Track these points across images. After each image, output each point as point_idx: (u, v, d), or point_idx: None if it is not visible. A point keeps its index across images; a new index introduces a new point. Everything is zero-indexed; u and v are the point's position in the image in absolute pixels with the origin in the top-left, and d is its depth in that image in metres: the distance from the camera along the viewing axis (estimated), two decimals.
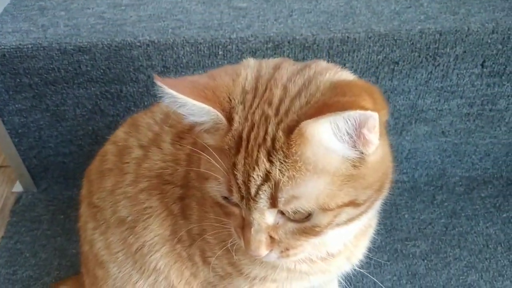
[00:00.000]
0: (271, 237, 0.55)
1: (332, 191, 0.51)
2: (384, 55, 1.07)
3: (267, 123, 0.51)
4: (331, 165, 0.50)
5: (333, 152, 0.50)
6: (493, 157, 1.28)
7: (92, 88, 1.13)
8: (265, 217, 0.53)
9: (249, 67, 0.57)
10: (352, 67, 1.08)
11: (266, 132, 0.51)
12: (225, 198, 0.56)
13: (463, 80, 1.12)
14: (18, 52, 1.07)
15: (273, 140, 0.50)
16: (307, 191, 0.50)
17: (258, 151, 0.50)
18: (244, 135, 0.52)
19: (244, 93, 0.54)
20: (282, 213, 0.53)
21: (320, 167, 0.50)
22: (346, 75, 0.56)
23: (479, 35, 1.05)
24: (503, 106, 1.17)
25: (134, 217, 0.73)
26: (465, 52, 1.07)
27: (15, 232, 1.24)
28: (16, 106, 1.16)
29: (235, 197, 0.53)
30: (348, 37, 1.04)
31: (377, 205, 0.62)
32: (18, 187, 1.37)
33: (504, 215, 1.21)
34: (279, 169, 0.50)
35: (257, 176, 0.50)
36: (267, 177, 0.50)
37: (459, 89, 1.13)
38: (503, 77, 1.12)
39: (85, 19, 1.13)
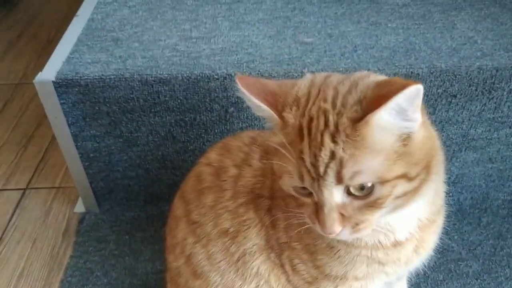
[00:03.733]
0: (342, 215, 0.63)
1: (388, 165, 0.60)
2: (443, 89, 1.15)
3: (326, 114, 0.61)
4: (386, 143, 0.60)
5: (389, 132, 0.60)
6: None
7: (168, 117, 1.19)
8: (334, 195, 0.61)
9: (306, 78, 0.68)
10: None
11: (326, 121, 0.60)
12: (298, 190, 0.65)
13: None
14: (101, 82, 1.13)
15: (336, 125, 0.60)
16: (367, 167, 0.59)
17: (322, 135, 0.60)
18: (305, 126, 0.61)
19: (298, 98, 0.65)
20: (348, 193, 0.62)
21: (377, 146, 0.59)
22: (385, 77, 0.67)
23: None
24: None
25: (235, 228, 0.81)
26: None
27: (83, 252, 1.30)
28: (91, 132, 1.22)
29: (307, 181, 0.62)
30: (412, 72, 1.12)
31: (429, 189, 0.69)
32: (79, 208, 1.42)
33: None
34: (342, 148, 0.59)
35: (324, 155, 0.59)
36: (332, 155, 0.59)
37: (509, 120, 1.22)
38: None
39: (160, 51, 1.20)
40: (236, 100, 1.17)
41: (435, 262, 1.23)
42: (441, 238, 1.29)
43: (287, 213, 0.74)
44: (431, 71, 1.12)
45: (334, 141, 0.59)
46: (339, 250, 0.75)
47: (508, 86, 1.15)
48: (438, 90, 1.15)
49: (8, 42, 2.24)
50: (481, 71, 1.12)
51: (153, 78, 1.13)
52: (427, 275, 1.21)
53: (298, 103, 0.64)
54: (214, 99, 1.16)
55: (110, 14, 1.36)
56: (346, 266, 0.76)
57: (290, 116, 0.63)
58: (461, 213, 1.36)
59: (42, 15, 2.45)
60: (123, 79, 1.13)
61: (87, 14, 1.36)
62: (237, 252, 0.81)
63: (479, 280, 1.20)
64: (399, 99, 0.57)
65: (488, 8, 1.33)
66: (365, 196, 0.62)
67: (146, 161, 1.29)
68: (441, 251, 1.25)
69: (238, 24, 1.30)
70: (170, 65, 1.15)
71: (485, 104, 1.18)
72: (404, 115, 0.59)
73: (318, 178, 0.61)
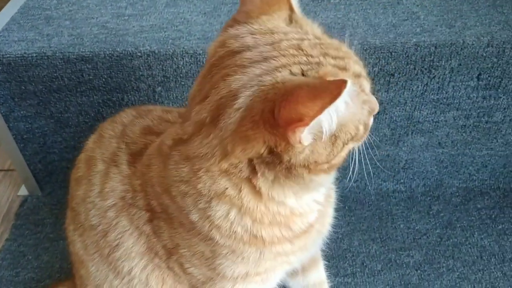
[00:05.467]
0: None
1: None
2: (379, 67, 1.08)
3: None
4: None
5: None
6: (490, 168, 1.28)
7: (95, 96, 1.16)
8: None
9: None
10: None
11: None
12: None
13: (459, 93, 1.13)
14: (23, 60, 1.10)
15: None
16: None
17: None
18: None
19: None
20: None
21: None
22: None
23: (474, 49, 1.06)
24: (499, 118, 1.18)
25: (104, 227, 0.76)
26: (460, 65, 1.08)
27: (19, 235, 1.28)
28: (21, 112, 1.20)
29: (366, 86, 0.61)
30: None
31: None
32: (23, 191, 1.40)
33: (500, 226, 1.22)
34: None
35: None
36: None
37: (455, 101, 1.14)
38: (499, 90, 1.13)
39: (89, 28, 1.16)
40: (163, 79, 1.12)
41: (375, 251, 1.18)
42: (385, 227, 1.24)
43: (175, 228, 0.70)
44: (365, 48, 1.06)
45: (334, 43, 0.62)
46: (245, 253, 0.68)
47: (449, 65, 1.08)
48: (375, 69, 1.09)
49: None
50: (419, 48, 1.06)
51: (75, 56, 1.09)
52: (364, 264, 1.15)
53: None
54: (139, 78, 1.12)
55: None
56: (249, 266, 0.71)
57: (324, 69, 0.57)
58: (411, 201, 1.30)
59: None
60: (46, 57, 1.10)
61: None
62: (106, 247, 0.77)
63: (419, 271, 1.14)
64: None
65: None
66: None
67: (81, 142, 1.23)
68: (384, 239, 1.20)
69: (175, 1, 1.25)
70: (95, 43, 1.11)
71: (427, 84, 1.11)
72: None
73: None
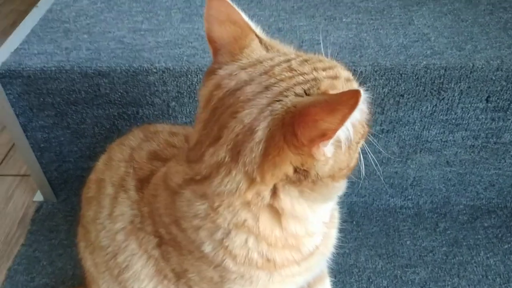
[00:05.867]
0: None
1: None
2: (389, 88, 1.10)
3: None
4: None
5: None
6: (498, 187, 1.29)
7: (110, 109, 1.19)
8: None
9: None
10: None
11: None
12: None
13: (468, 114, 1.14)
14: (42, 74, 1.14)
15: None
16: None
17: None
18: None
19: None
20: None
21: None
22: None
23: (483, 72, 1.07)
24: (507, 139, 1.19)
25: (113, 249, 0.78)
26: (469, 87, 1.09)
27: (34, 241, 1.31)
28: (39, 123, 1.23)
29: None
30: (355, 70, 1.08)
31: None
32: (39, 197, 1.44)
33: (506, 246, 1.23)
34: None
35: None
36: None
37: (464, 122, 1.16)
38: (507, 112, 1.14)
39: (106, 43, 1.19)
40: (177, 94, 1.15)
41: (382, 267, 1.19)
42: (391, 243, 1.26)
43: (184, 255, 0.72)
44: (375, 69, 1.08)
45: None
46: (254, 277, 0.70)
47: (459, 87, 1.09)
48: (384, 89, 1.10)
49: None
50: (428, 70, 1.07)
51: (92, 71, 1.13)
52: (371, 280, 1.17)
53: None
54: (154, 93, 1.15)
55: (69, 5, 1.36)
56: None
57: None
58: (418, 217, 1.31)
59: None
60: (64, 71, 1.13)
61: (47, 4, 1.37)
62: (116, 268, 0.79)
63: None
64: None
65: (453, 3, 1.26)
66: None
67: (96, 153, 1.28)
68: (390, 255, 1.22)
69: (191, 16, 1.28)
70: (111, 58, 1.14)
71: (436, 105, 1.13)
72: None
73: None
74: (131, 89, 1.15)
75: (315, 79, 0.59)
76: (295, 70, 0.60)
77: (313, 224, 0.70)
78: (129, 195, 0.78)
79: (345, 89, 0.58)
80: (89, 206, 0.84)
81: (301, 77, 0.59)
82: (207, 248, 0.67)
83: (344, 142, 0.59)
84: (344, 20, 1.23)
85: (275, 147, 0.56)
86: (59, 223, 1.36)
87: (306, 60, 0.62)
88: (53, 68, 1.13)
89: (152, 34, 1.22)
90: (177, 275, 0.76)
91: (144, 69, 1.11)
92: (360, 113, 0.60)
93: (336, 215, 0.83)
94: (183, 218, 0.68)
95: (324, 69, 0.60)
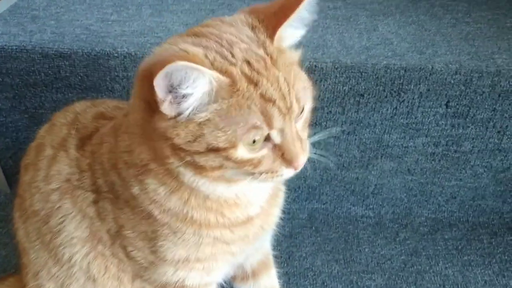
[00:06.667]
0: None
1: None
2: (350, 86, 1.10)
3: (254, 51, 0.61)
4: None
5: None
6: (459, 200, 1.28)
7: (70, 94, 1.17)
8: (297, 123, 0.62)
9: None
10: (319, 96, 1.12)
11: (263, 57, 0.60)
12: (255, 147, 0.60)
13: (428, 119, 1.14)
14: (2, 52, 1.13)
15: (271, 55, 0.60)
16: (303, 84, 0.63)
17: (272, 69, 0.59)
18: (247, 71, 0.58)
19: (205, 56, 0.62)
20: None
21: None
22: None
23: (442, 75, 1.08)
24: (467, 148, 1.18)
25: (46, 211, 0.77)
26: (429, 90, 1.10)
27: None
28: None
29: (278, 121, 0.58)
30: (315, 66, 1.08)
31: None
32: None
33: (465, 258, 1.20)
34: (287, 73, 0.60)
35: (287, 85, 0.59)
36: (289, 84, 0.59)
37: (424, 127, 1.16)
38: (467, 119, 1.14)
39: (72, 29, 1.19)
40: None
41: (338, 272, 1.16)
42: (349, 249, 1.22)
43: (122, 208, 0.71)
44: (336, 66, 1.08)
45: (279, 69, 0.59)
46: (184, 233, 0.70)
47: (418, 89, 1.10)
48: (344, 88, 1.11)
49: None
50: (388, 70, 1.08)
51: (53, 52, 1.12)
52: (325, 283, 1.13)
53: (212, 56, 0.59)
54: (115, 79, 1.14)
55: None
56: (189, 249, 0.72)
57: (232, 69, 0.57)
58: (379, 226, 1.29)
59: None
60: (25, 51, 1.12)
61: None
62: (48, 234, 0.77)
63: None
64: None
65: (418, 16, 1.29)
66: (301, 116, 0.63)
67: None
68: (347, 261, 1.19)
69: (161, 12, 1.29)
70: (75, 41, 1.14)
71: (396, 107, 1.13)
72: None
73: (287, 113, 0.59)
74: (91, 73, 1.14)
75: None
76: None
77: (232, 196, 0.69)
78: (69, 154, 0.77)
79: None
80: (26, 172, 0.82)
81: None
82: (135, 189, 0.67)
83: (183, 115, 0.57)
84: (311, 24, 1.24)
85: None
86: (9, 213, 1.30)
87: None
88: (14, 47, 1.12)
89: (120, 24, 1.22)
90: (112, 238, 0.74)
91: (106, 53, 1.11)
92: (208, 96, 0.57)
93: (280, 195, 0.82)
94: (120, 157, 0.68)
95: None
